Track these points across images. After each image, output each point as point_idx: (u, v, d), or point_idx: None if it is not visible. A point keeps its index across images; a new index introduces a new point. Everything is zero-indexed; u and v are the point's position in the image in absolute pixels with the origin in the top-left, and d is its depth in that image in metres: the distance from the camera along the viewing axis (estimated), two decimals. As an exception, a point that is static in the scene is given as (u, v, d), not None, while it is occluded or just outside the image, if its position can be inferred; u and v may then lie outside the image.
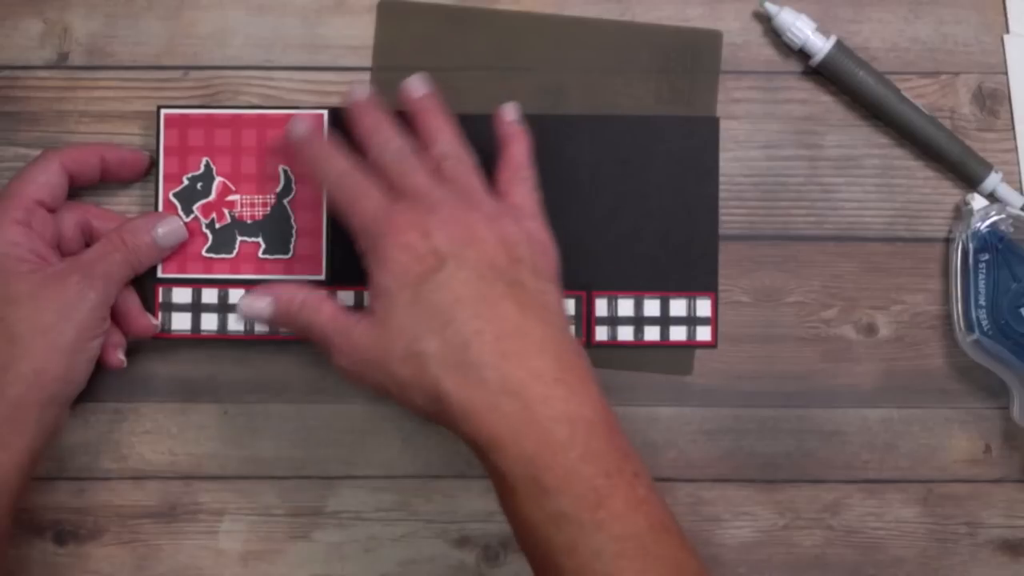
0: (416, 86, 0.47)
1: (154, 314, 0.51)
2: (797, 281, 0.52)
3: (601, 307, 0.51)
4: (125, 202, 0.52)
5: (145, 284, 0.51)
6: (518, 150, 0.47)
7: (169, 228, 0.49)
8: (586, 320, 0.50)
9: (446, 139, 0.46)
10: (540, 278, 0.43)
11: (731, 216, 0.52)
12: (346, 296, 0.50)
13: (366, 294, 0.49)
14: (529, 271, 0.43)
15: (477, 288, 0.41)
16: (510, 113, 0.48)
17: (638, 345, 0.51)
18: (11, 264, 0.45)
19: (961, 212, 0.51)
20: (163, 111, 0.51)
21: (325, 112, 0.51)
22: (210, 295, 0.51)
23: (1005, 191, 0.51)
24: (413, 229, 0.41)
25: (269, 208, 0.51)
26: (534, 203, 0.46)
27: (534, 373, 0.40)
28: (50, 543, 0.51)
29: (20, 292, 0.45)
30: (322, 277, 0.50)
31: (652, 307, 0.50)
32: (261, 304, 0.45)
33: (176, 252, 0.51)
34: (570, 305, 0.50)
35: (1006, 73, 0.52)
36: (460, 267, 0.41)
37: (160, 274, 0.51)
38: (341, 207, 0.44)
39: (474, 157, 0.46)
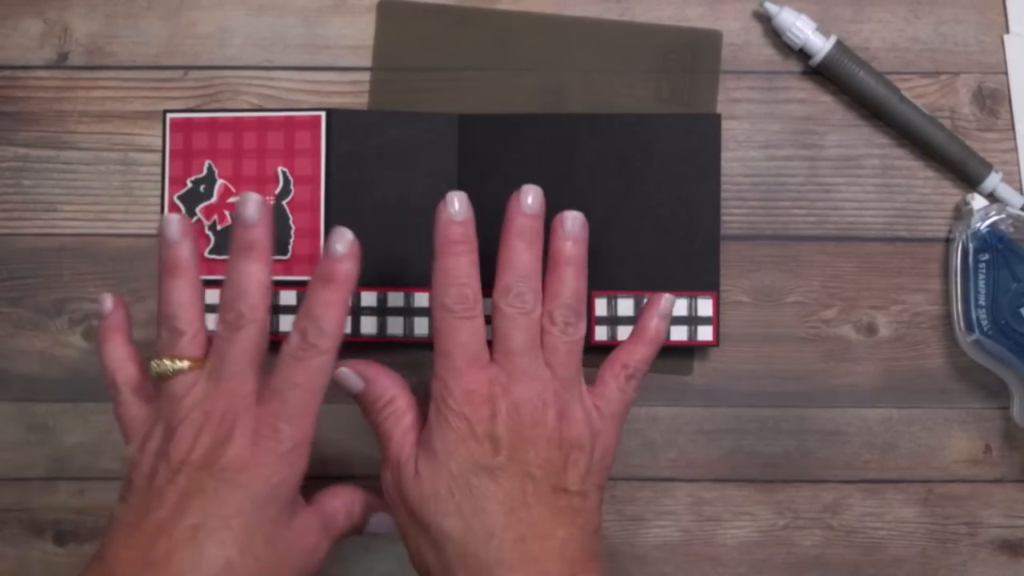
0: (572, 225, 0.43)
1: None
2: (797, 281, 0.52)
3: (601, 307, 0.50)
4: (134, 226, 0.52)
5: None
6: (645, 352, 0.45)
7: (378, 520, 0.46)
8: (586, 320, 0.50)
9: (569, 297, 0.43)
10: (586, 482, 0.42)
11: (731, 216, 0.52)
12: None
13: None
14: (579, 476, 0.41)
15: (520, 488, 0.40)
16: (664, 306, 0.46)
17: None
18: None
19: (961, 212, 0.51)
20: (168, 115, 0.51)
21: (324, 113, 0.51)
22: (212, 296, 0.51)
23: (1005, 191, 0.51)
24: (484, 404, 0.40)
25: (269, 209, 0.51)
26: (623, 405, 0.44)
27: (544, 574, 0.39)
28: (50, 543, 0.52)
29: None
30: (322, 277, 0.50)
31: (652, 307, 0.50)
32: (354, 383, 0.44)
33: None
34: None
35: (1006, 73, 0.52)
36: (512, 462, 0.40)
37: (160, 274, 0.51)
38: (436, 324, 0.42)
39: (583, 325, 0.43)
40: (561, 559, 0.39)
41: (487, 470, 0.40)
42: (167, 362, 0.41)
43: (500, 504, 0.39)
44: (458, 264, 0.41)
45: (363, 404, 0.44)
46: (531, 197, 0.42)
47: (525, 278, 0.42)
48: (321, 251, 0.41)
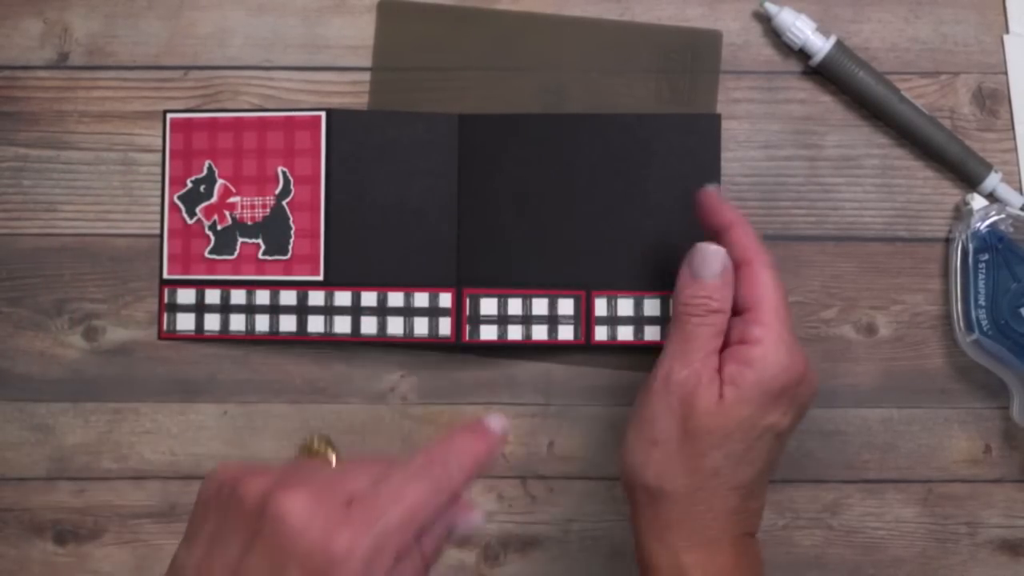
0: None
1: (159, 315, 0.51)
2: (797, 281, 0.52)
3: (601, 307, 0.50)
4: (134, 226, 0.52)
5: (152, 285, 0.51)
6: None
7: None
8: (586, 320, 0.50)
9: None
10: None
11: (731, 216, 0.52)
12: (343, 297, 0.50)
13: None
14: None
15: (779, 451, 0.44)
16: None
17: (638, 345, 0.50)
18: None
19: (961, 212, 0.51)
20: (169, 115, 0.51)
21: (324, 113, 0.51)
22: (212, 296, 0.51)
23: (1005, 191, 0.51)
24: (802, 365, 0.43)
25: (269, 210, 0.51)
26: None
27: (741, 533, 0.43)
28: (50, 543, 0.52)
29: None
30: (320, 277, 0.51)
31: (652, 307, 0.50)
32: (715, 266, 0.43)
33: (180, 253, 0.51)
34: (569, 305, 0.50)
35: (1006, 73, 0.52)
36: (791, 426, 0.43)
37: (165, 275, 0.51)
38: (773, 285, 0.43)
39: None
40: (756, 519, 0.44)
41: (778, 433, 0.42)
42: None
43: (764, 464, 0.42)
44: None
45: (698, 293, 0.42)
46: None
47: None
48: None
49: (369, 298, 0.51)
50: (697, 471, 0.41)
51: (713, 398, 0.41)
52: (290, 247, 0.51)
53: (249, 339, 0.51)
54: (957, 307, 0.50)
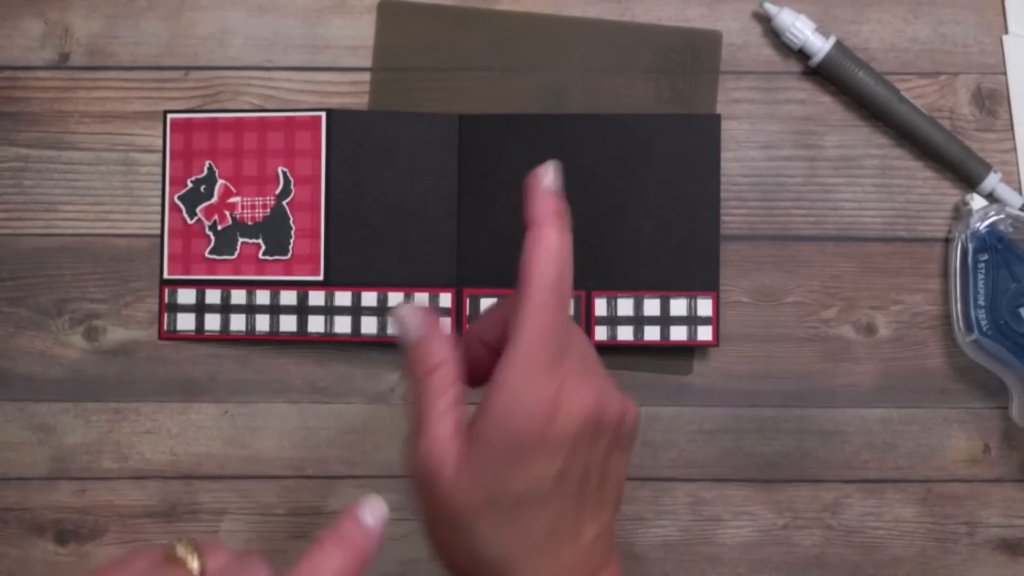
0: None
1: (160, 315, 0.51)
2: (797, 281, 0.52)
3: (601, 307, 0.51)
4: (134, 226, 0.52)
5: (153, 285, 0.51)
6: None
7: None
8: (585, 320, 0.50)
9: None
10: (623, 459, 0.38)
11: (731, 216, 0.52)
12: (343, 297, 0.51)
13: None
14: (618, 456, 0.38)
15: (572, 497, 0.36)
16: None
17: (638, 345, 0.51)
18: None
19: (960, 212, 0.51)
20: (169, 115, 0.51)
21: (324, 113, 0.51)
22: (213, 296, 0.51)
23: (1004, 191, 0.51)
24: (551, 414, 0.35)
25: (269, 210, 0.51)
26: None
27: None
28: (51, 543, 0.52)
29: None
30: (320, 277, 0.51)
31: (652, 307, 0.50)
32: (413, 329, 0.37)
33: (181, 253, 0.51)
34: (569, 305, 0.50)
35: (1005, 73, 0.52)
36: (571, 467, 0.35)
37: (166, 275, 0.51)
38: (533, 312, 0.36)
39: None
40: (587, 564, 0.37)
41: (545, 484, 0.35)
42: None
43: (547, 520, 0.36)
44: (564, 245, 0.37)
45: (409, 359, 0.37)
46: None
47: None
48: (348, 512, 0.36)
49: (369, 298, 0.51)
50: (476, 555, 0.36)
51: (455, 468, 0.35)
52: (290, 247, 0.51)
53: (249, 339, 0.51)
54: (956, 307, 0.50)
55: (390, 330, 0.51)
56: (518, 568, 0.36)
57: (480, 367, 0.37)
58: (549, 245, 0.36)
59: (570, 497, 0.36)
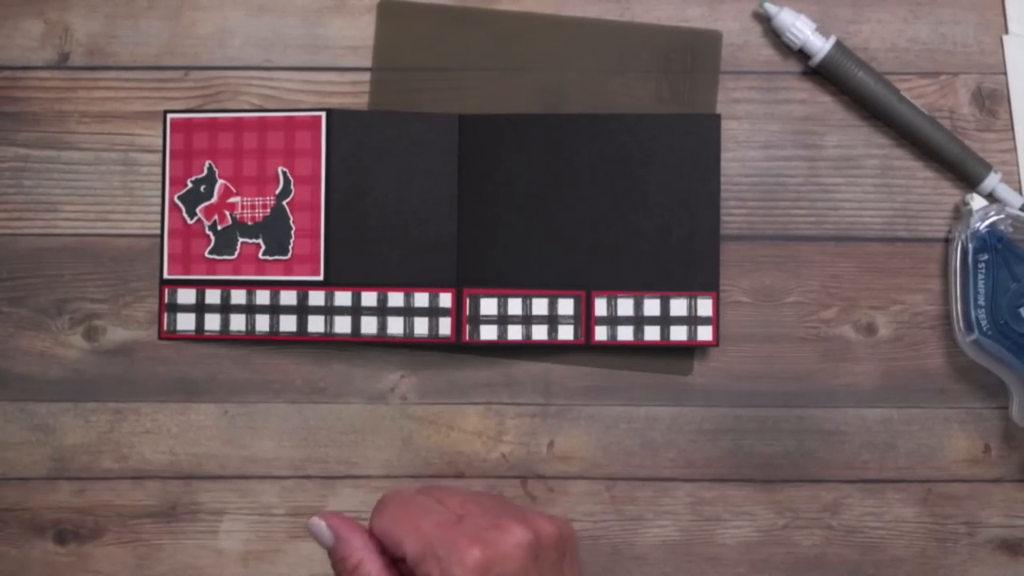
0: None
1: (160, 315, 0.51)
2: (797, 281, 0.52)
3: (601, 307, 0.51)
4: (134, 226, 0.52)
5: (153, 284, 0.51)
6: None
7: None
8: (585, 320, 0.50)
9: None
10: (574, 566, 0.41)
11: (731, 216, 0.52)
12: (343, 297, 0.51)
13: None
14: (568, 564, 0.41)
15: None
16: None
17: (638, 345, 0.51)
18: None
19: (960, 212, 0.51)
20: (169, 115, 0.51)
21: (324, 113, 0.51)
22: (213, 296, 0.51)
23: (1004, 191, 0.51)
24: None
25: (269, 210, 0.51)
26: None
27: None
28: (51, 543, 0.52)
29: None
30: (320, 277, 0.51)
31: (652, 307, 0.50)
32: (325, 537, 0.41)
33: (181, 253, 0.51)
34: (569, 305, 0.51)
35: (1005, 73, 0.52)
36: None
37: (166, 275, 0.51)
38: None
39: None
40: None
41: None
42: None
43: None
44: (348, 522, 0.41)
45: (332, 560, 0.41)
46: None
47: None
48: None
49: (369, 298, 0.51)
50: None
51: None
52: (290, 247, 0.51)
53: (249, 339, 0.51)
54: (957, 307, 0.50)
55: (390, 330, 0.51)
56: None
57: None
58: (343, 533, 0.40)
59: None
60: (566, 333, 0.50)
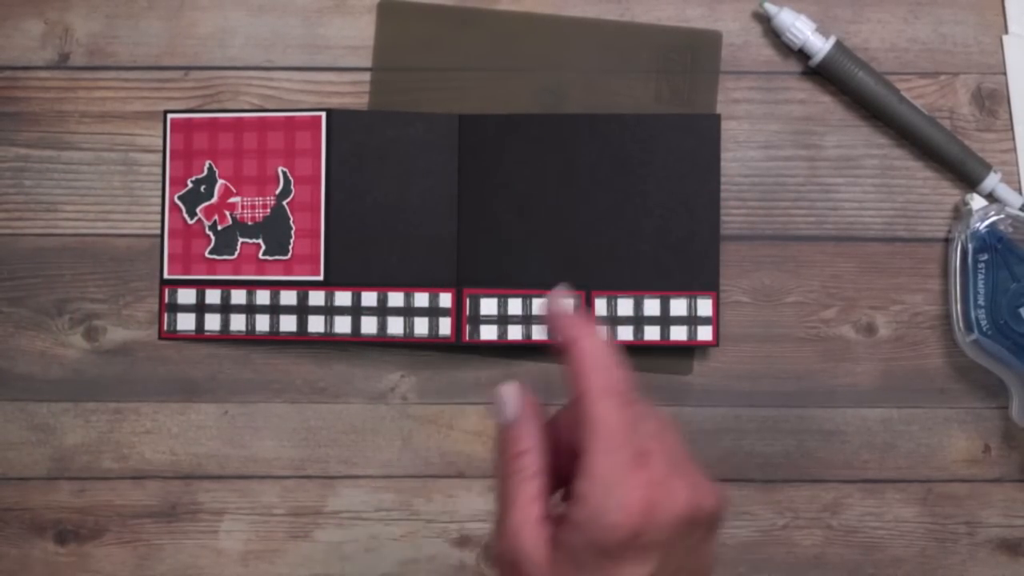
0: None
1: (160, 315, 0.51)
2: (797, 281, 0.52)
3: (601, 307, 0.51)
4: (135, 226, 0.52)
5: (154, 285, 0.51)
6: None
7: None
8: (586, 320, 0.50)
9: None
10: (715, 541, 0.38)
11: (731, 216, 0.52)
12: (343, 297, 0.51)
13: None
14: (711, 542, 0.38)
15: None
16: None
17: (638, 345, 0.51)
18: None
19: (960, 212, 0.51)
20: (169, 115, 0.51)
21: (324, 113, 0.51)
22: (213, 296, 0.51)
23: (1004, 191, 0.51)
24: (647, 511, 0.35)
25: (269, 210, 0.51)
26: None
27: None
28: (51, 543, 0.52)
29: None
30: (320, 277, 0.51)
31: (652, 307, 0.50)
32: (510, 409, 0.38)
33: (181, 253, 0.51)
34: (569, 305, 0.50)
35: (1005, 74, 0.52)
36: (665, 566, 0.35)
37: (166, 275, 0.51)
38: (596, 411, 0.36)
39: None
40: None
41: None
42: None
43: None
44: (605, 344, 0.37)
45: (501, 437, 0.38)
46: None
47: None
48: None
49: (369, 298, 0.51)
50: None
51: (541, 565, 0.35)
52: (290, 247, 0.51)
53: (249, 339, 0.51)
54: (956, 307, 0.50)
55: (390, 330, 0.51)
56: None
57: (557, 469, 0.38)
58: (589, 351, 0.37)
59: None
60: (566, 333, 0.50)
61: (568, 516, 0.35)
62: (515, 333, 0.50)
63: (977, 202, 0.50)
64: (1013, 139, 0.52)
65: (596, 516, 0.34)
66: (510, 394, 0.38)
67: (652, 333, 0.50)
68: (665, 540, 0.35)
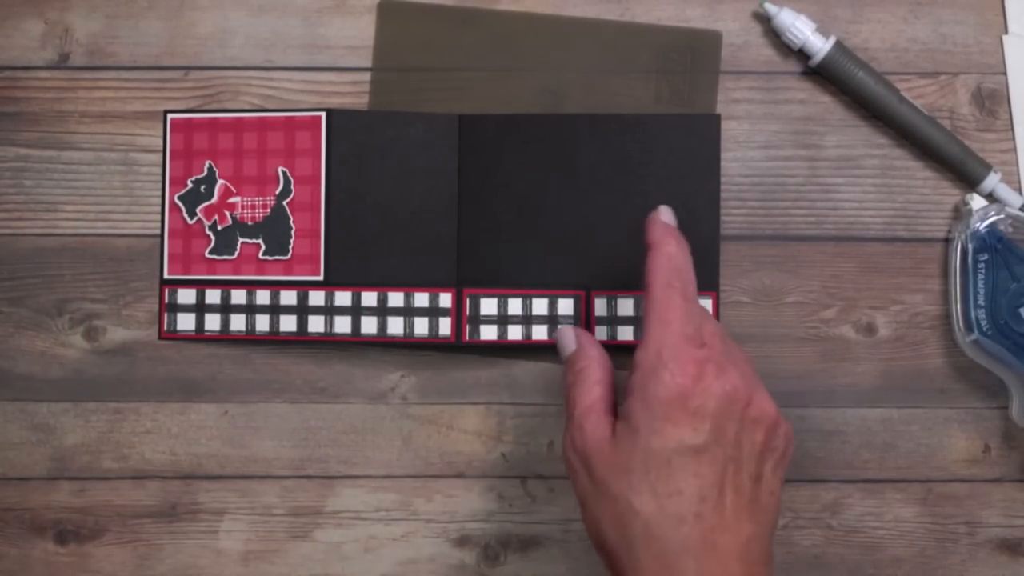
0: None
1: (160, 315, 0.51)
2: (797, 281, 0.52)
3: (600, 307, 0.51)
4: (135, 226, 0.52)
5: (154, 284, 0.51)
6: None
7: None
8: (585, 320, 0.50)
9: None
10: (778, 470, 0.40)
11: (731, 216, 0.52)
12: (343, 297, 0.51)
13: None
14: (773, 464, 0.40)
15: (721, 472, 0.38)
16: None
17: (638, 345, 0.50)
18: None
19: (960, 212, 0.51)
20: (169, 115, 0.51)
21: (324, 113, 0.51)
22: (213, 296, 0.51)
23: (1004, 191, 0.51)
24: (698, 380, 0.38)
25: (269, 210, 0.51)
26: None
27: (725, 571, 0.37)
28: (51, 543, 0.52)
29: None
30: (320, 277, 0.51)
31: (652, 307, 0.50)
32: (570, 343, 0.44)
33: (181, 253, 0.51)
34: (569, 305, 0.51)
35: (1005, 74, 0.52)
36: (718, 444, 0.38)
37: (166, 275, 0.51)
38: (657, 298, 0.40)
39: None
40: (743, 558, 0.37)
41: (692, 450, 0.37)
42: None
43: (697, 488, 0.37)
44: (681, 252, 0.41)
45: (566, 367, 0.43)
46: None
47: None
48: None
49: (369, 298, 0.51)
50: (626, 520, 0.38)
51: (602, 441, 0.39)
52: (290, 247, 0.51)
53: (249, 339, 0.51)
54: (956, 307, 0.50)
55: (390, 330, 0.51)
56: (668, 535, 0.37)
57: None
58: (668, 252, 0.41)
59: (720, 476, 0.38)
60: (566, 333, 0.50)
61: (627, 386, 0.39)
62: (515, 333, 0.50)
63: (977, 202, 0.50)
64: (1013, 139, 0.52)
65: (649, 375, 0.38)
66: (568, 332, 0.44)
67: (652, 333, 0.50)
68: (714, 413, 0.38)
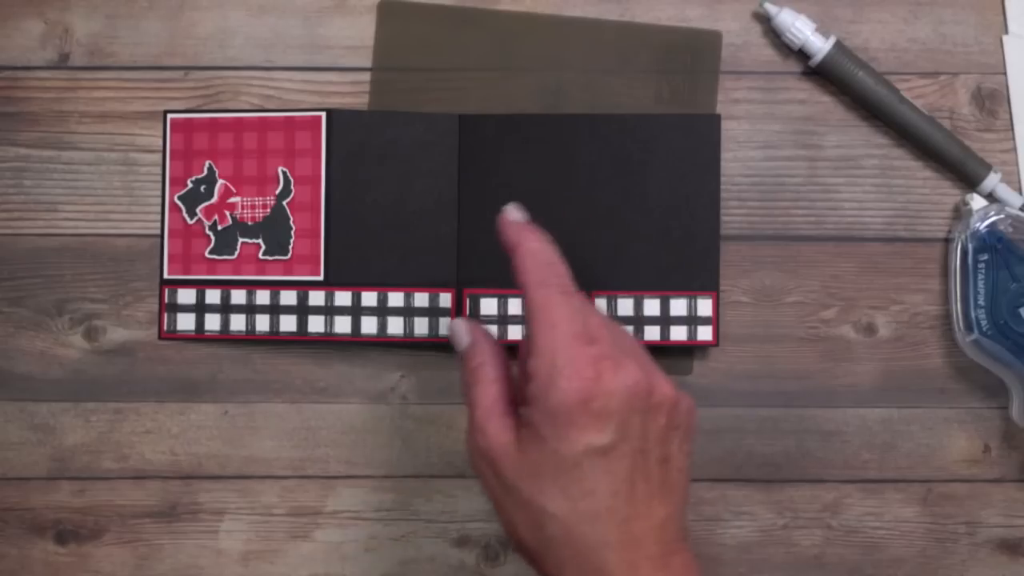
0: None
1: (160, 315, 0.51)
2: (797, 281, 0.52)
3: (601, 307, 0.51)
4: (135, 226, 0.52)
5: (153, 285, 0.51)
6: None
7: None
8: (586, 320, 0.50)
9: None
10: (684, 446, 0.40)
11: (731, 216, 0.52)
12: (343, 297, 0.51)
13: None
14: (679, 441, 0.40)
15: (630, 466, 0.38)
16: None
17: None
18: None
19: (960, 212, 0.51)
20: (169, 115, 0.51)
21: (324, 113, 0.51)
22: (213, 296, 0.51)
23: (1004, 191, 0.51)
24: (595, 380, 0.38)
25: (269, 210, 0.51)
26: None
27: (645, 556, 0.38)
28: (51, 543, 0.52)
29: None
30: (320, 277, 0.51)
31: (652, 307, 0.50)
32: (463, 338, 0.42)
33: (181, 253, 0.51)
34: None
35: (1005, 74, 0.52)
36: (624, 439, 0.38)
37: (166, 275, 0.51)
38: (536, 302, 0.39)
39: None
40: (660, 540, 0.38)
41: (601, 451, 0.37)
42: None
43: (609, 485, 0.37)
44: (545, 246, 0.41)
45: (462, 361, 0.42)
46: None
47: None
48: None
49: (369, 298, 0.51)
50: (541, 522, 0.38)
51: (507, 445, 0.38)
52: (290, 247, 0.51)
53: (249, 339, 0.51)
54: (956, 307, 0.50)
55: (390, 330, 0.51)
56: (585, 532, 0.37)
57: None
58: (531, 249, 0.40)
59: (630, 469, 0.38)
60: (566, 333, 0.50)
61: (525, 397, 0.38)
62: (515, 333, 0.50)
63: (977, 202, 0.50)
64: (1013, 139, 0.52)
65: (547, 384, 0.37)
66: (461, 325, 0.42)
67: (652, 333, 0.50)
68: (618, 410, 0.38)
